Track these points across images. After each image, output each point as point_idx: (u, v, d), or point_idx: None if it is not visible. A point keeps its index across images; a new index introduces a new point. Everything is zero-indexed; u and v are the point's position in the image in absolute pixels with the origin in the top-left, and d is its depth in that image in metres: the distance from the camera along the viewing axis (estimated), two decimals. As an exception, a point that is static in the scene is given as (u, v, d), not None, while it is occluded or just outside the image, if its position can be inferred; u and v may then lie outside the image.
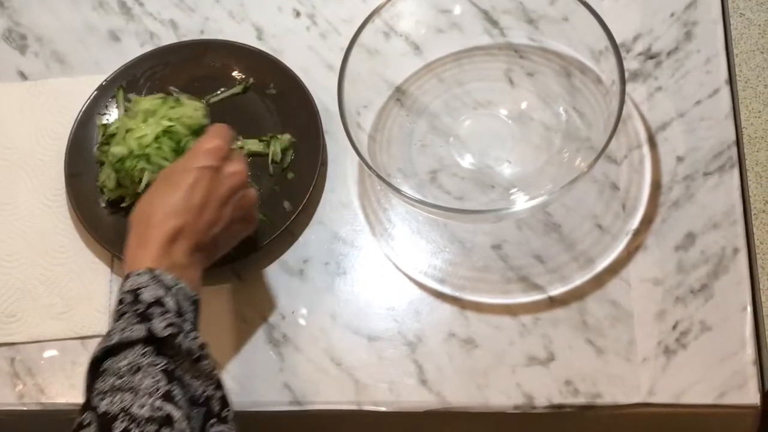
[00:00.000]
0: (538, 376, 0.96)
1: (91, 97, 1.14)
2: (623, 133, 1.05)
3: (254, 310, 1.03)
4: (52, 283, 1.07)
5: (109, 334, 0.81)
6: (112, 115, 1.13)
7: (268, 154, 1.09)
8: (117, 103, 1.14)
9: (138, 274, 0.83)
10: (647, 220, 1.01)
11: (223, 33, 1.19)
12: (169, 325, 0.80)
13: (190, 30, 1.20)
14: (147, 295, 0.82)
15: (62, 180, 1.10)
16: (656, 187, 1.03)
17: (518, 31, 1.12)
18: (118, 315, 0.82)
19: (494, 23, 1.13)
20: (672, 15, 1.11)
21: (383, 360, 0.99)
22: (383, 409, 0.98)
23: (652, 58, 1.09)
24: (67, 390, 1.02)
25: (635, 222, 1.02)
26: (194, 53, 1.16)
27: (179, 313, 0.83)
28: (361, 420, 0.99)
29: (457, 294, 1.01)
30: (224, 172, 0.90)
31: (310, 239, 1.06)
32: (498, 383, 0.97)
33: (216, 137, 0.92)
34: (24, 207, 1.11)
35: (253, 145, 1.10)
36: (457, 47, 1.13)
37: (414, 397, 0.97)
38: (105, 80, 1.15)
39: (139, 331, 0.79)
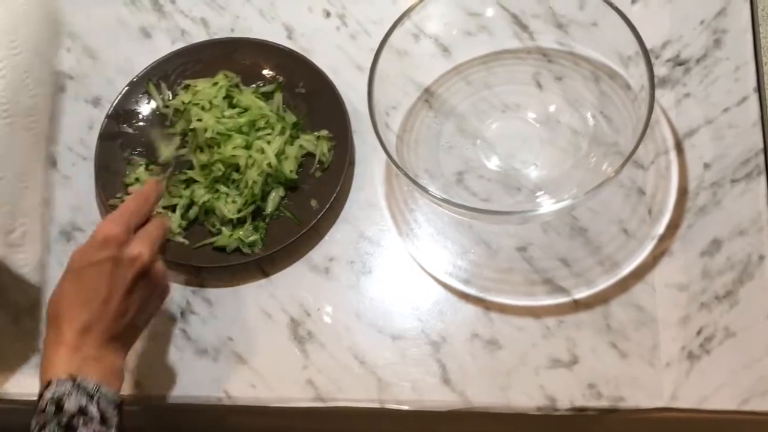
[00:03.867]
0: (561, 378, 0.97)
1: (122, 93, 1.15)
2: (651, 139, 1.06)
3: (280, 306, 1.04)
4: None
5: None
6: (143, 110, 1.15)
7: (315, 154, 1.10)
8: (151, 95, 1.15)
9: (60, 382, 0.83)
10: (673, 226, 1.01)
11: (253, 31, 1.20)
12: None
13: (221, 28, 1.21)
14: (70, 405, 0.82)
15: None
16: (683, 192, 1.03)
17: (547, 36, 1.12)
18: (40, 426, 0.82)
19: (523, 27, 1.13)
20: (701, 22, 1.11)
21: (406, 359, 1.00)
22: (406, 407, 0.98)
23: (680, 64, 1.09)
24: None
25: (661, 227, 1.02)
26: (225, 51, 1.17)
27: (103, 421, 0.83)
28: (382, 418, 1.00)
29: (481, 295, 1.02)
30: (124, 259, 0.88)
31: (337, 238, 1.07)
32: (521, 384, 0.97)
33: (111, 222, 0.89)
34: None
35: (308, 143, 1.10)
36: (486, 50, 1.13)
37: (436, 397, 0.98)
38: (136, 76, 1.16)
39: None
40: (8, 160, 0.99)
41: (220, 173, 1.07)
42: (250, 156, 1.07)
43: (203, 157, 1.08)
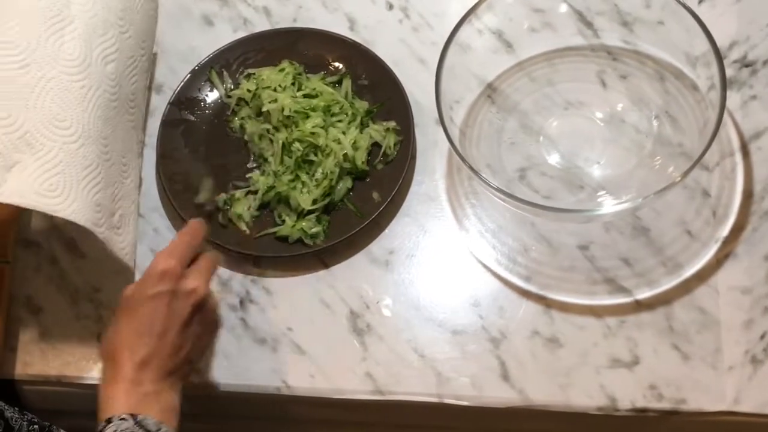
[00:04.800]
0: (622, 378, 0.96)
1: (185, 80, 1.15)
2: (716, 141, 1.03)
3: (339, 298, 1.04)
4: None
5: None
6: (205, 98, 1.15)
7: (381, 146, 1.09)
8: (213, 83, 1.15)
9: (121, 419, 0.82)
10: (738, 229, 1.01)
11: (316, 22, 1.20)
12: None
13: (283, 18, 1.21)
14: None
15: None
16: (748, 195, 1.02)
17: (612, 33, 1.12)
18: None
19: (588, 24, 1.13)
20: (769, 24, 1.11)
21: (466, 354, 1.00)
22: (465, 403, 0.98)
23: (747, 66, 1.09)
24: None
25: (725, 230, 1.01)
26: (288, 41, 1.17)
27: None
28: (440, 413, 1.00)
29: (542, 292, 1.02)
30: (180, 292, 0.89)
31: (397, 231, 1.07)
32: (581, 383, 0.97)
33: (167, 257, 0.90)
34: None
35: (377, 133, 1.10)
36: (550, 47, 1.13)
37: (496, 393, 0.98)
38: (198, 64, 1.16)
39: None
40: (114, 144, 1.00)
41: (299, 153, 1.06)
42: (326, 145, 1.07)
43: (281, 135, 1.08)
